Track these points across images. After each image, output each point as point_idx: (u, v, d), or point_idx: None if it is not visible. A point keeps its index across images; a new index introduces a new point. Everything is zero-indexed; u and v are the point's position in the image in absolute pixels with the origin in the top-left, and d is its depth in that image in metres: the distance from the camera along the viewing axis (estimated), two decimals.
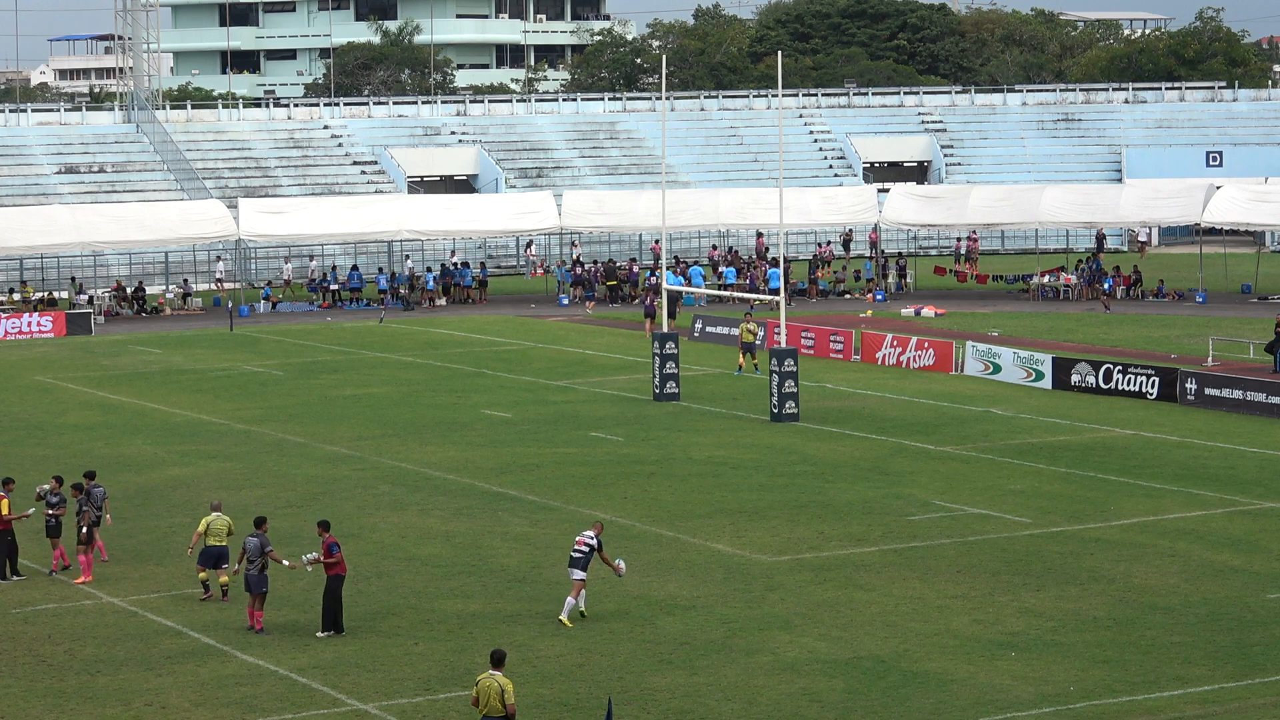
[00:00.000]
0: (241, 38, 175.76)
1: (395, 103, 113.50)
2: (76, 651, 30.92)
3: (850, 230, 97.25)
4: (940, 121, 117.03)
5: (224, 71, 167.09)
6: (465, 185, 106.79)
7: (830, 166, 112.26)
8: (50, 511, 35.74)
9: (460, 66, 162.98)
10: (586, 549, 32.17)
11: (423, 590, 34.38)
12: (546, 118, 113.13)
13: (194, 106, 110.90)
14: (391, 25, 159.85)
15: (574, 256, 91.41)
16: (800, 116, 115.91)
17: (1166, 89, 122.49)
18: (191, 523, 39.84)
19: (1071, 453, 47.23)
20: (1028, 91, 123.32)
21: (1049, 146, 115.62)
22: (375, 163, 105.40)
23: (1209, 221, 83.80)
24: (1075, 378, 57.83)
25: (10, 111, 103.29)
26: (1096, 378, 57.28)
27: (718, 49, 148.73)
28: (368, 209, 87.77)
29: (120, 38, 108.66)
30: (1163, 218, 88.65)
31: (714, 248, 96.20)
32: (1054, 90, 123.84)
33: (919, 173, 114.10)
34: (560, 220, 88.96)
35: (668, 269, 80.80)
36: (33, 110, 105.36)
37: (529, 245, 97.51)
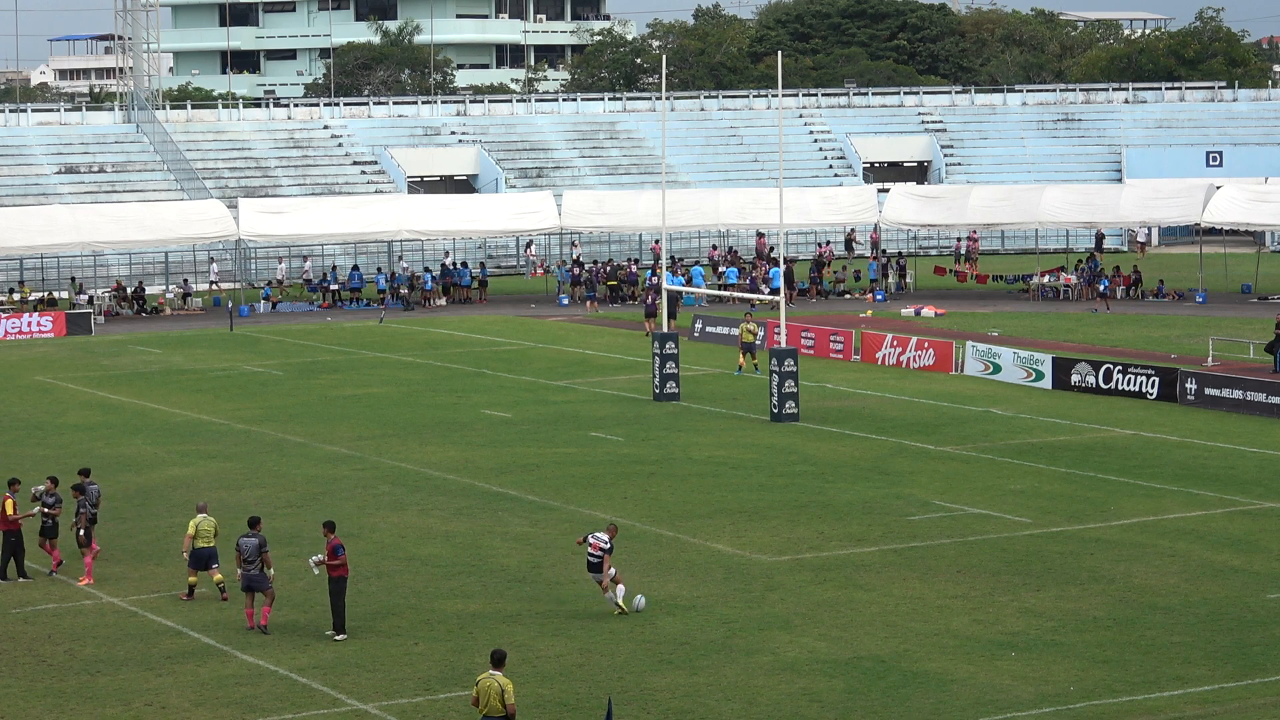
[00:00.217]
0: (241, 38, 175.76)
1: (395, 103, 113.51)
2: (76, 651, 30.92)
3: (853, 230, 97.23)
4: (940, 121, 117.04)
5: (224, 71, 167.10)
6: (465, 185, 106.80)
7: (830, 166, 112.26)
8: (47, 512, 35.73)
9: (460, 66, 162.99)
10: (600, 553, 32.21)
11: (423, 590, 34.38)
12: (546, 118, 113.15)
13: (194, 106, 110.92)
14: (391, 25, 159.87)
15: (574, 256, 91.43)
16: (800, 116, 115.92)
17: (1166, 89, 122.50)
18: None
19: (1071, 453, 47.23)
20: (1028, 91, 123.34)
21: (1049, 146, 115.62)
22: (375, 163, 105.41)
23: (1209, 221, 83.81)
24: (1075, 378, 57.83)
25: (10, 111, 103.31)
26: (1096, 378, 57.29)
27: (718, 49, 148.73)
28: (368, 209, 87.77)
29: (120, 38, 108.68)
30: (1163, 218, 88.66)
31: (714, 248, 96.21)
32: (1054, 90, 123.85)
33: (919, 173, 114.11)
34: (560, 220, 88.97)
35: (666, 269, 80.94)
36: (33, 110, 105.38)
37: (529, 245, 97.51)
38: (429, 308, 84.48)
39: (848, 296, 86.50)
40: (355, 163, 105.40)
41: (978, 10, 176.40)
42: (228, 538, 34.84)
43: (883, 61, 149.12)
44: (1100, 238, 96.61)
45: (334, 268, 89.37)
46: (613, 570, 32.85)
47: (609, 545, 32.36)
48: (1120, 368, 57.10)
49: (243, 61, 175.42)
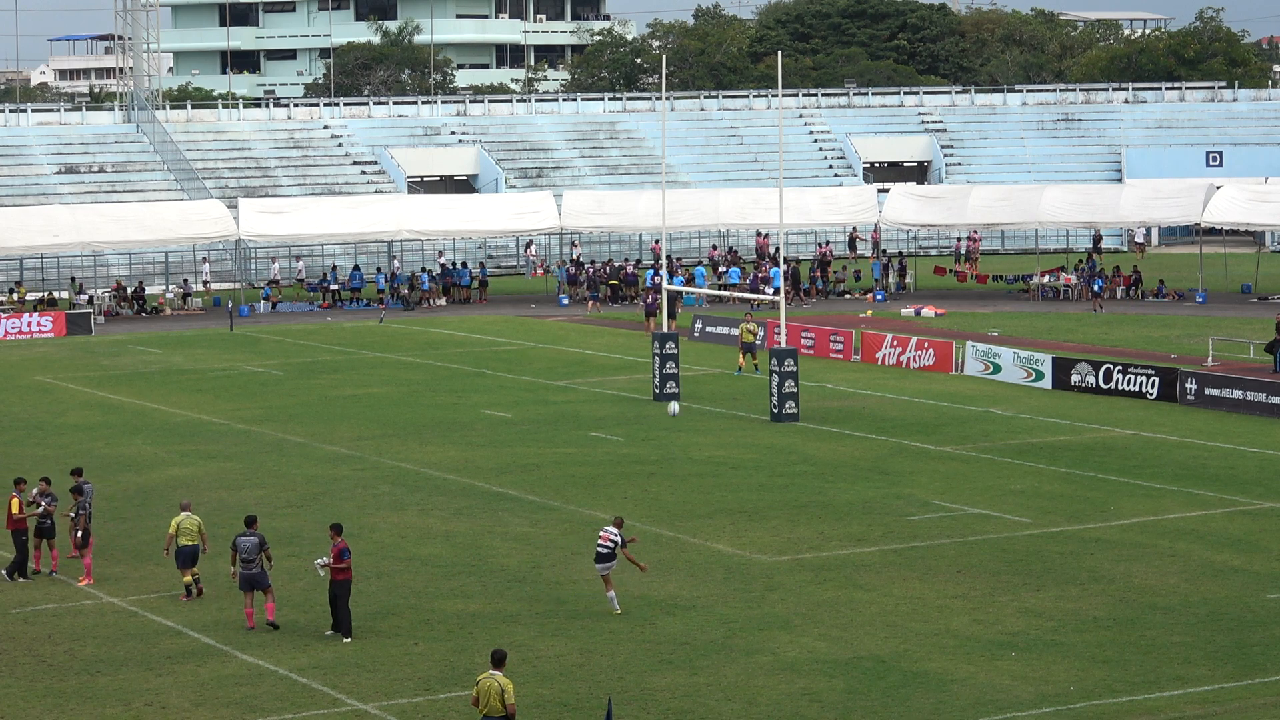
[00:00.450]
0: (241, 38, 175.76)
1: (395, 103, 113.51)
2: (76, 651, 30.92)
3: (855, 229, 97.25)
4: (940, 121, 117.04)
5: (224, 71, 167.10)
6: (465, 185, 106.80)
7: (830, 166, 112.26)
8: (40, 513, 35.71)
9: (460, 66, 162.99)
10: (611, 544, 32.24)
11: (423, 590, 34.39)
12: (546, 118, 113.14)
13: (194, 106, 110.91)
14: (391, 25, 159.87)
15: (573, 256, 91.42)
16: (800, 116, 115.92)
17: (1166, 89, 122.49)
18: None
19: (1071, 453, 47.24)
20: (1028, 91, 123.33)
21: (1049, 146, 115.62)
22: (375, 163, 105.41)
23: (1209, 221, 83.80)
24: (1075, 378, 57.83)
25: (10, 111, 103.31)
26: (1096, 378, 57.29)
27: (718, 49, 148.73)
28: (368, 209, 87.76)
29: (120, 38, 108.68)
30: (1163, 218, 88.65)
31: (714, 248, 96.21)
32: (1054, 90, 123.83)
33: (919, 173, 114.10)
34: (560, 220, 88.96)
35: (667, 270, 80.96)
36: (33, 110, 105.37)
37: (529, 245, 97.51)
38: (428, 308, 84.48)
39: (848, 296, 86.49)
40: (355, 163, 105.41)
41: (978, 10, 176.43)
42: (226, 538, 34.83)
43: (883, 61, 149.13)
44: (1098, 238, 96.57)
45: (334, 268, 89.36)
46: (614, 564, 32.79)
47: (619, 537, 32.39)
48: (1120, 368, 57.10)
49: (243, 61, 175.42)
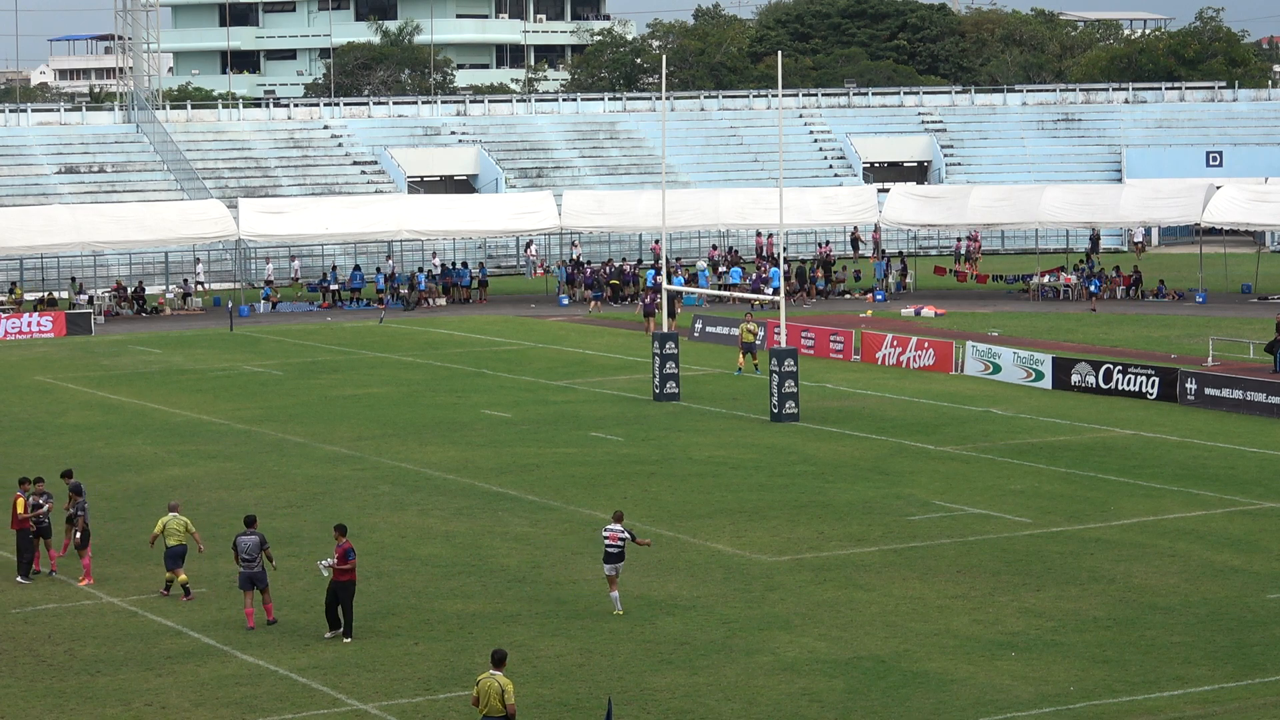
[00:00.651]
0: (241, 38, 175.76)
1: (395, 103, 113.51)
2: (76, 651, 30.92)
3: (857, 230, 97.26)
4: (940, 121, 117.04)
5: (224, 71, 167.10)
6: (465, 185, 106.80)
7: (830, 166, 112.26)
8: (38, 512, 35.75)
9: (460, 66, 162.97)
10: (621, 542, 32.23)
11: (423, 590, 34.39)
12: (546, 118, 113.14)
13: (194, 106, 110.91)
14: (391, 25, 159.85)
15: (574, 256, 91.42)
16: (800, 116, 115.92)
17: (1166, 89, 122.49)
18: (191, 523, 39.91)
19: (1071, 453, 47.23)
20: (1028, 91, 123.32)
21: (1049, 146, 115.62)
22: (375, 163, 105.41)
23: (1209, 221, 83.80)
24: (1075, 378, 57.83)
25: (10, 111, 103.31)
26: (1096, 378, 57.29)
27: (718, 49, 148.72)
28: (368, 209, 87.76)
29: (120, 38, 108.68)
30: (1163, 218, 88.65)
31: (714, 248, 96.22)
32: (1054, 90, 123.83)
33: (919, 173, 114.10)
34: (560, 220, 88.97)
35: (651, 269, 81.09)
36: (33, 110, 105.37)
37: (529, 245, 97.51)
38: (427, 307, 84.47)
39: (848, 297, 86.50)
40: (355, 163, 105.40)
41: (978, 10, 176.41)
42: (226, 537, 34.82)
43: (883, 61, 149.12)
44: (1095, 239, 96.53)
45: (334, 268, 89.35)
46: (623, 563, 32.74)
47: (627, 533, 32.39)
48: (1120, 368, 57.10)
49: (243, 61, 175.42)
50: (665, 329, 58.40)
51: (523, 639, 31.01)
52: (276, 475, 45.46)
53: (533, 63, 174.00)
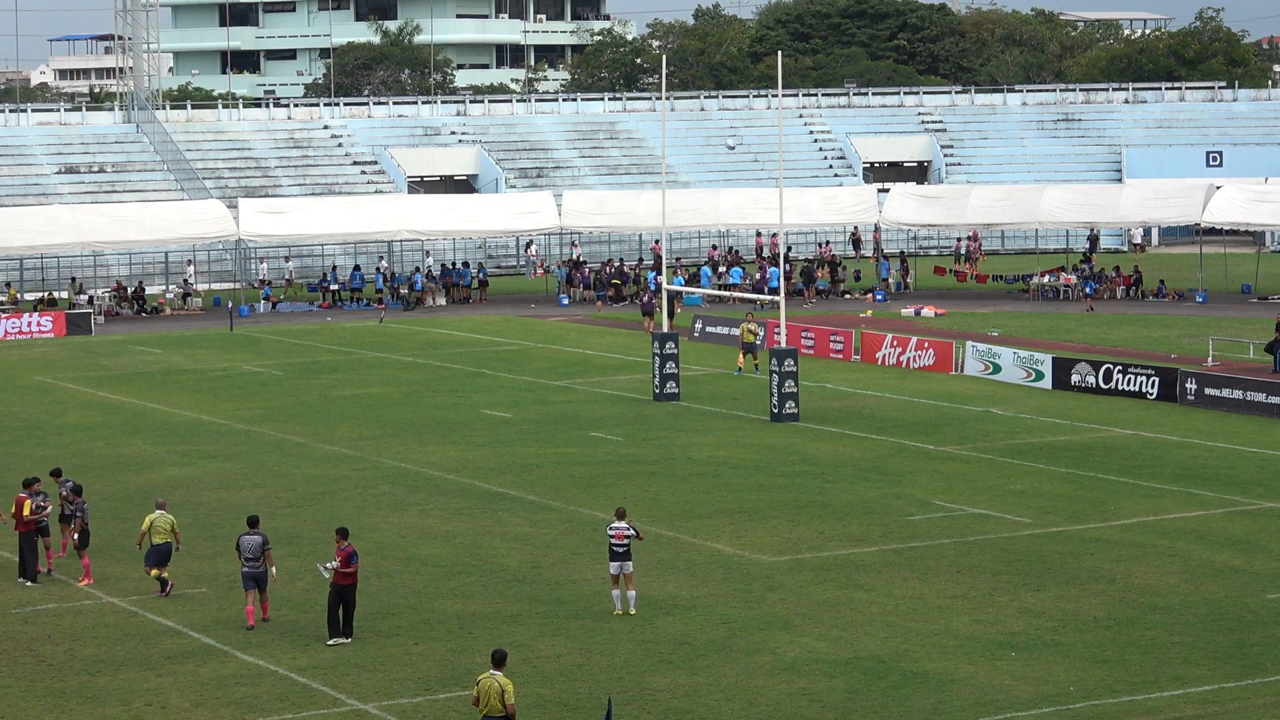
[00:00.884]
0: (241, 38, 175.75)
1: (395, 103, 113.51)
2: (76, 651, 30.92)
3: (858, 230, 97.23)
4: (940, 121, 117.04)
5: (224, 71, 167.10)
6: (465, 185, 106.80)
7: (830, 166, 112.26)
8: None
9: (460, 66, 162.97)
10: (626, 540, 32.20)
11: (423, 590, 34.38)
12: (546, 118, 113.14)
13: (194, 106, 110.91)
14: (391, 25, 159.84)
15: (574, 256, 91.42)
16: (800, 116, 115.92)
17: (1166, 89, 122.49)
18: (192, 523, 39.93)
19: (1071, 453, 47.23)
20: (1028, 91, 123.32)
21: (1049, 146, 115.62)
22: (375, 163, 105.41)
23: (1209, 221, 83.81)
24: (1075, 378, 57.83)
25: (10, 111, 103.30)
26: (1096, 378, 57.29)
27: (718, 49, 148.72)
28: (368, 209, 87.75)
29: (120, 38, 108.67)
30: (1163, 218, 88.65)
31: (714, 248, 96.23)
32: (1054, 90, 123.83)
33: (919, 173, 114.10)
34: (560, 220, 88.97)
35: (654, 269, 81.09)
36: (33, 110, 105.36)
37: (529, 245, 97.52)
38: (427, 307, 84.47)
39: (848, 297, 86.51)
40: (355, 163, 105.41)
41: (978, 10, 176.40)
42: (226, 537, 34.81)
43: (883, 61, 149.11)
44: (1093, 239, 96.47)
45: (334, 268, 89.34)
46: (630, 566, 32.65)
47: (633, 530, 32.36)
48: (1120, 368, 57.10)
49: (243, 61, 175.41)
50: (665, 329, 58.39)
51: (523, 639, 31.01)
52: (276, 475, 45.46)
53: (533, 63, 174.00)
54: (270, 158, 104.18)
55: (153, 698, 28.50)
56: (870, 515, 40.09)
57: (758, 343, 63.13)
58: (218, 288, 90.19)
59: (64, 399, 58.76)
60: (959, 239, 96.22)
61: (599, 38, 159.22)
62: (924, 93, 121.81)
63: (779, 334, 56.72)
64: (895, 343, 64.12)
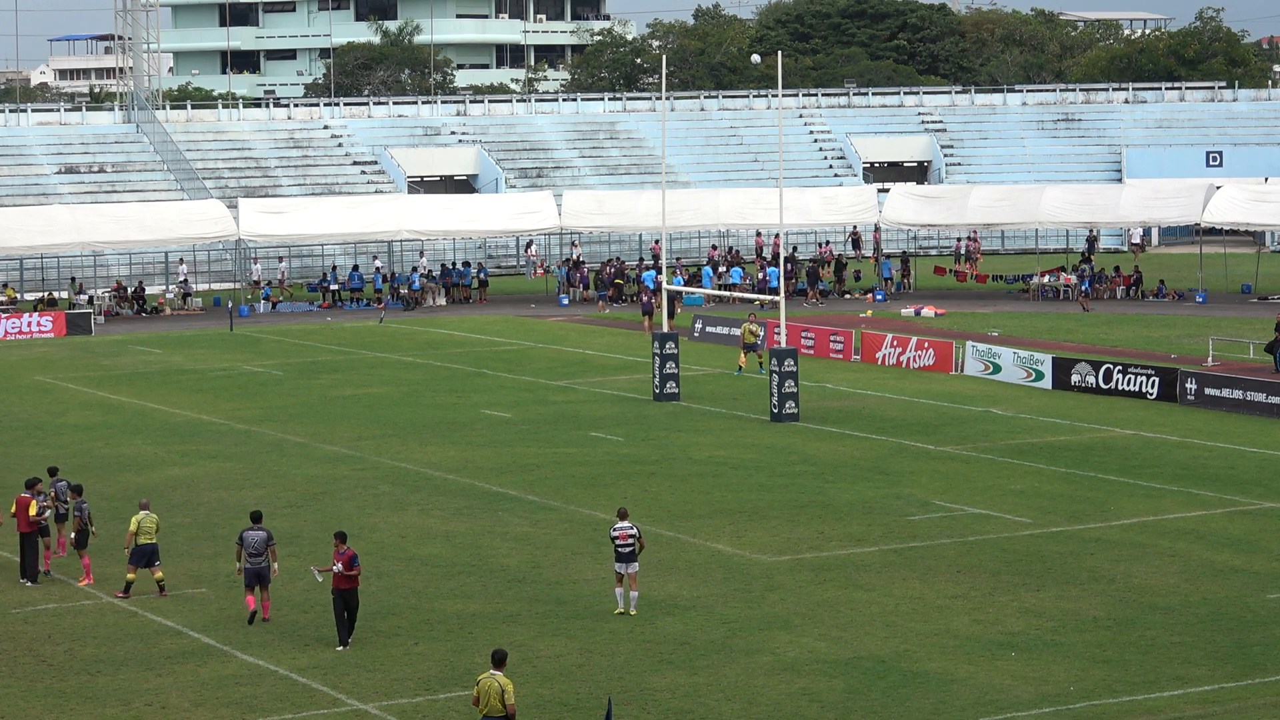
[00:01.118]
0: (241, 38, 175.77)
1: (395, 103, 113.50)
2: (76, 651, 30.92)
3: (858, 229, 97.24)
4: (940, 121, 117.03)
5: (224, 71, 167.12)
6: (465, 185, 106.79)
7: (830, 166, 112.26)
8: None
9: (460, 66, 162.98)
10: (631, 540, 32.17)
11: (423, 590, 34.39)
12: (546, 118, 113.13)
13: (194, 106, 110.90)
14: (391, 25, 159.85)
15: (574, 256, 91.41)
16: (800, 116, 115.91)
17: (1166, 89, 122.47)
18: (192, 523, 40.00)
19: (1071, 453, 47.23)
20: (1028, 91, 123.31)
21: (1049, 146, 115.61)
22: (375, 163, 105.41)
23: (1209, 221, 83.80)
24: (1075, 378, 57.83)
25: (10, 111, 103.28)
26: (1096, 378, 57.29)
27: (718, 49, 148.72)
28: (368, 209, 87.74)
29: (120, 38, 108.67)
30: (1163, 218, 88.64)
31: (714, 248, 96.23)
32: (1054, 90, 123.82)
33: (919, 173, 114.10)
34: (560, 220, 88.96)
35: (653, 270, 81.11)
36: (33, 110, 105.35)
37: (529, 245, 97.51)
38: (428, 307, 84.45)
39: (847, 297, 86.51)
40: (355, 163, 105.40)
41: (978, 10, 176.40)
42: (226, 537, 34.80)
43: (883, 61, 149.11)
44: (1091, 240, 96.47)
45: (334, 268, 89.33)
46: (635, 567, 32.59)
47: (636, 529, 32.33)
48: (1120, 368, 57.10)
49: (243, 61, 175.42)
50: (665, 328, 58.40)
51: (523, 639, 31.01)
52: (276, 475, 45.46)
53: (533, 63, 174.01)
54: (270, 158, 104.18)
55: (153, 698, 28.50)
56: (870, 515, 40.09)
57: (759, 343, 63.09)
58: (218, 288, 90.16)
59: (64, 399, 58.76)
60: (959, 239, 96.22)
61: (599, 38, 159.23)
62: (924, 93, 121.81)
63: (779, 334, 56.70)
64: (895, 343, 64.12)
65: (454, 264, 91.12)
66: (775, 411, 52.42)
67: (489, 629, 31.69)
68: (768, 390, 53.34)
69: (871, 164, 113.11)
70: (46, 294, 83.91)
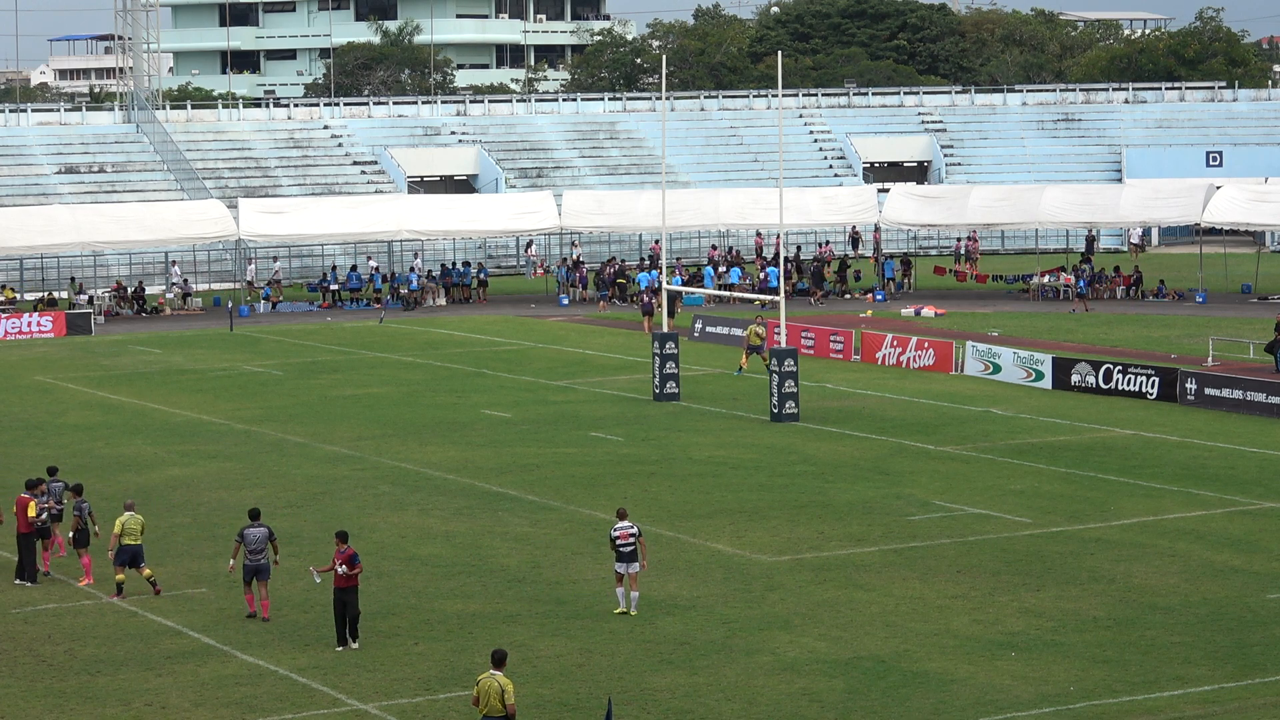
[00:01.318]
0: (241, 38, 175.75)
1: (395, 103, 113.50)
2: (76, 651, 30.92)
3: (857, 229, 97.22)
4: (940, 121, 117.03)
5: (224, 71, 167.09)
6: (465, 185, 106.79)
7: (830, 166, 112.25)
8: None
9: (460, 66, 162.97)
10: (632, 539, 32.15)
11: (423, 590, 34.39)
12: (546, 118, 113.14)
13: (194, 106, 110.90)
14: (391, 25, 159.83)
15: (574, 256, 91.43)
16: (800, 116, 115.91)
17: (1166, 89, 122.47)
18: (192, 523, 40.02)
19: (1071, 453, 47.23)
20: (1028, 91, 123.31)
21: (1049, 146, 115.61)
22: (375, 163, 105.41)
23: (1209, 221, 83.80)
24: (1075, 378, 57.83)
25: (10, 111, 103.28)
26: (1096, 378, 57.29)
27: (718, 49, 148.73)
28: (368, 209, 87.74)
29: (120, 38, 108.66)
30: (1163, 218, 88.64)
31: (714, 248, 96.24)
32: (1054, 90, 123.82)
33: (919, 173, 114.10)
34: (560, 220, 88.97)
35: (650, 270, 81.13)
36: (33, 110, 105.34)
37: (529, 245, 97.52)
38: (424, 307, 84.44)
39: (848, 297, 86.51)
40: (355, 163, 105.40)
41: (978, 10, 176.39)
42: (226, 537, 34.80)
43: (883, 61, 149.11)
44: (1090, 240, 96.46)
45: (334, 267, 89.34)
46: (636, 567, 32.57)
47: (636, 528, 32.32)
48: (1120, 368, 57.10)
49: (243, 61, 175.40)
50: (665, 328, 58.40)
51: (523, 639, 31.01)
52: (276, 475, 45.47)
53: (533, 63, 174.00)
54: (270, 158, 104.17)
55: (153, 698, 28.50)
56: (870, 515, 40.09)
57: (763, 345, 62.99)
58: (218, 288, 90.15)
59: (64, 399, 58.76)
60: (959, 239, 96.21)
61: (599, 38, 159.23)
62: (924, 93, 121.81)
63: (779, 334, 56.70)
64: (895, 343, 64.12)
65: (454, 264, 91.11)
66: (775, 411, 52.43)
67: (489, 629, 31.69)
68: (768, 390, 53.34)
69: (871, 164, 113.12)
70: (46, 294, 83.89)
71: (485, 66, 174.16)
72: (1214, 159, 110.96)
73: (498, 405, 55.79)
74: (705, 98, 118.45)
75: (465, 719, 26.93)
